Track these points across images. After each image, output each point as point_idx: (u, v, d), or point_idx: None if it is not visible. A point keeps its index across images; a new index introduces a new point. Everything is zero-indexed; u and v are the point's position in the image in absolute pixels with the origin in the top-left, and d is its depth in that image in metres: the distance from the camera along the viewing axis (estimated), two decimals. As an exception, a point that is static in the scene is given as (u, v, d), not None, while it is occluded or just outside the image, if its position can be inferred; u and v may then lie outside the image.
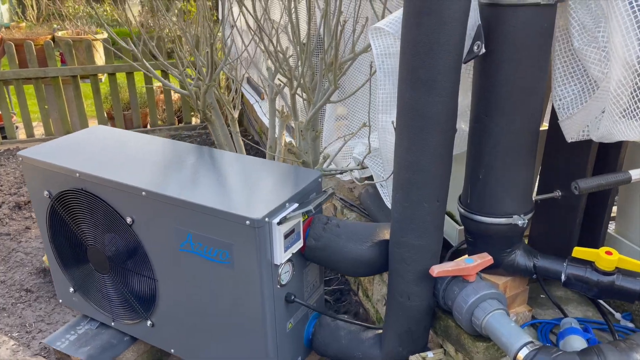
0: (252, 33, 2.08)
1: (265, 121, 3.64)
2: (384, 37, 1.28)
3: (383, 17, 1.66)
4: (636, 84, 0.96)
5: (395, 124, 1.24)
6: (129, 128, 5.07)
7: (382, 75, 1.26)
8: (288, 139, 2.85)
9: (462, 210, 1.35)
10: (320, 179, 1.45)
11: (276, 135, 2.31)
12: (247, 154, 2.23)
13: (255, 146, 4.33)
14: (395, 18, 1.25)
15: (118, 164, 1.57)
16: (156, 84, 5.06)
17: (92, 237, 1.62)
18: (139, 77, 5.26)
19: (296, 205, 1.34)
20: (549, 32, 1.14)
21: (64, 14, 7.76)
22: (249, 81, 4.74)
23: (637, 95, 0.97)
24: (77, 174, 1.53)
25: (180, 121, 5.22)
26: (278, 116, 2.24)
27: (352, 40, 1.85)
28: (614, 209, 1.52)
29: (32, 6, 8.03)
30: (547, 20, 1.13)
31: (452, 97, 1.17)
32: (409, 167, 1.21)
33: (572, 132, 1.21)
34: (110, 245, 1.58)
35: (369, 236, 1.36)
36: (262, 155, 3.71)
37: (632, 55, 0.95)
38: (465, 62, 1.19)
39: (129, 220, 1.48)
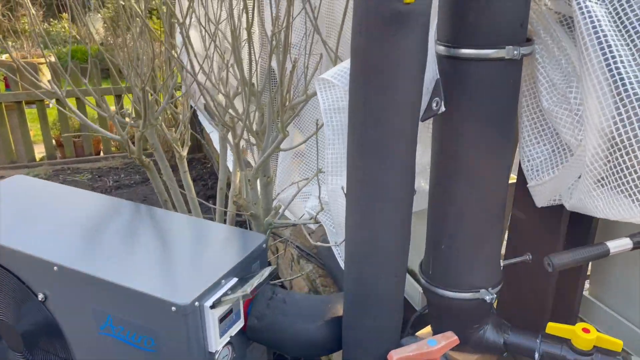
0: (200, 65, 1.91)
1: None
2: (332, 89, 1.12)
3: (336, 58, 1.51)
4: (616, 158, 0.83)
5: (344, 190, 1.08)
6: (80, 155, 4.80)
7: (330, 133, 1.10)
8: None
9: (423, 282, 1.20)
10: (265, 245, 1.27)
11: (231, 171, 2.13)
12: (198, 191, 2.05)
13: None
14: (343, 69, 1.10)
15: (32, 231, 1.36)
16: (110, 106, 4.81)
17: (2, 312, 1.39)
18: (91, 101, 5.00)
19: (235, 280, 1.16)
20: (515, 88, 1.01)
21: (18, 30, 7.39)
22: (206, 107, 4.55)
23: (618, 171, 0.83)
24: (-17, 242, 1.31)
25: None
26: (231, 149, 2.05)
27: (304, 78, 1.70)
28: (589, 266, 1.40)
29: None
30: (512, 75, 0.99)
31: (408, 162, 1.02)
32: (362, 242, 1.05)
33: (542, 199, 1.07)
34: (22, 322, 1.36)
35: (320, 313, 1.19)
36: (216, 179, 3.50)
37: (610, 124, 0.81)
38: (422, 121, 1.04)
39: (41, 296, 1.27)
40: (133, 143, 2.03)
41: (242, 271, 1.20)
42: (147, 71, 1.85)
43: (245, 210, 1.61)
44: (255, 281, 1.10)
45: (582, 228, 1.22)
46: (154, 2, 2.16)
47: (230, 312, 1.14)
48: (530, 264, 1.26)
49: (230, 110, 1.80)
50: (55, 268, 1.20)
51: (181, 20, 1.74)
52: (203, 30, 2.11)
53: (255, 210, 1.62)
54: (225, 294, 1.11)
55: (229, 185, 2.35)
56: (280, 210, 1.67)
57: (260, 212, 1.65)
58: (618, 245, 1.02)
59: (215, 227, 1.37)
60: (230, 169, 2.36)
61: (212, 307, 1.08)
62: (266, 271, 1.14)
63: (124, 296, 1.12)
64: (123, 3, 1.92)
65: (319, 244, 1.38)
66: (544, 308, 1.33)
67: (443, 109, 1.01)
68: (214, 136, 4.07)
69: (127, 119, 2.02)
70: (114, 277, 1.14)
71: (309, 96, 1.64)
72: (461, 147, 1.05)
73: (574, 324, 1.29)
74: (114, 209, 1.47)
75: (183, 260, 1.22)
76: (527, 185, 1.09)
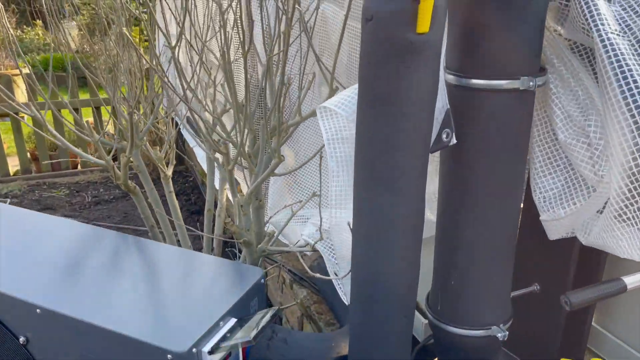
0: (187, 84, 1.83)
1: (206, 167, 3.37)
2: (335, 118, 1.07)
3: (332, 79, 1.46)
4: (644, 198, 0.79)
5: (351, 225, 1.02)
6: (57, 169, 4.64)
7: (334, 165, 1.05)
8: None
9: (430, 317, 1.14)
10: (263, 280, 1.21)
11: (219, 188, 2.06)
12: (185, 212, 1.97)
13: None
14: (347, 98, 1.04)
15: (11, 269, 1.26)
16: (87, 118, 4.66)
17: (-21, 354, 1.30)
18: (68, 115, 4.85)
19: (233, 321, 1.09)
20: (528, 119, 0.97)
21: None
22: (189, 120, 4.45)
23: (646, 213, 0.79)
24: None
25: (115, 159, 4.84)
26: (218, 168, 1.98)
27: (298, 99, 1.64)
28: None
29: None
30: (526, 106, 0.95)
31: (418, 197, 0.97)
32: (369, 282, 1.00)
33: (555, 233, 1.03)
34: (1, 366, 1.27)
35: (323, 355, 1.12)
36: (203, 201, 3.41)
37: (638, 162, 0.78)
38: (432, 152, 0.99)
39: (22, 339, 1.18)
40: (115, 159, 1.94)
41: (241, 310, 1.13)
42: (133, 93, 1.77)
43: (238, 238, 1.54)
44: (257, 324, 1.03)
45: (593, 257, 1.19)
46: (136, 11, 2.07)
47: (229, 355, 1.07)
48: (540, 295, 1.22)
49: (219, 129, 1.74)
50: (38, 311, 1.12)
51: (165, 31, 1.67)
52: (188, 45, 2.04)
53: (248, 237, 1.56)
54: (224, 338, 1.04)
55: (215, 203, 2.27)
56: (275, 236, 1.60)
57: (253, 238, 1.59)
58: (636, 280, 0.99)
59: (208, 260, 1.30)
60: (217, 187, 2.29)
61: (211, 352, 1.01)
62: (268, 313, 1.08)
63: (114, 342, 1.04)
64: (102, 13, 1.84)
65: (317, 275, 1.32)
66: (553, 339, 1.29)
67: (454, 141, 0.96)
68: (197, 150, 3.98)
69: (106, 137, 1.93)
70: (102, 320, 1.06)
71: (303, 117, 1.58)
72: (472, 180, 1.01)
73: (583, 355, 1.25)
74: (99, 240, 1.39)
75: (176, 300, 1.14)
76: (540, 218, 1.04)
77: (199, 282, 1.21)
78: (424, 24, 0.82)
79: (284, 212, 1.80)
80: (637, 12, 0.82)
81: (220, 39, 1.58)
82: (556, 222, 1.00)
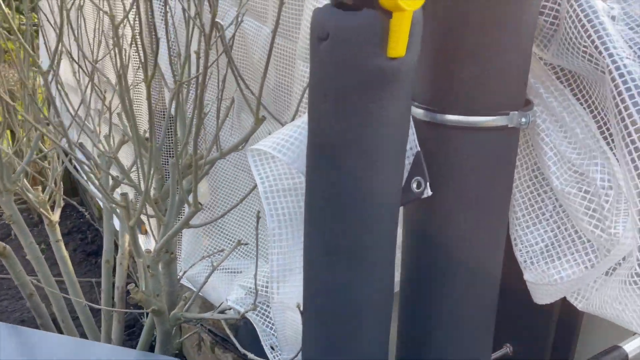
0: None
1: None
2: (273, 164, 0.83)
3: (259, 106, 1.21)
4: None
5: (302, 307, 0.78)
6: None
7: (275, 225, 0.80)
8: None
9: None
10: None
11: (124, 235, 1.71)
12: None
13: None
14: (288, 138, 0.81)
15: None
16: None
17: None
18: None
19: None
20: (513, 160, 0.80)
21: None
22: (82, 145, 3.95)
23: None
24: None
25: None
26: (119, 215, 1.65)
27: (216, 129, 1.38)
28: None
29: None
30: (512, 145, 0.78)
31: (390, 264, 0.75)
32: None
33: (544, 297, 0.87)
34: None
35: None
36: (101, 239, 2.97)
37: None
38: (401, 205, 0.78)
39: None
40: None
41: None
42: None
43: (146, 306, 1.23)
44: None
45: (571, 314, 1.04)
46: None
47: None
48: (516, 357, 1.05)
49: (116, 167, 1.43)
50: None
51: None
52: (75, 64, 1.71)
53: (157, 304, 1.25)
54: None
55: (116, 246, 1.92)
56: (190, 299, 1.32)
57: (164, 304, 1.28)
58: (636, 346, 0.85)
59: (106, 353, 0.99)
60: (117, 227, 1.94)
61: None
62: None
63: None
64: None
65: (252, 357, 1.06)
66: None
67: (429, 192, 0.76)
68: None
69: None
70: None
71: (223, 153, 1.32)
72: (447, 235, 0.81)
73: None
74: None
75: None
76: (524, 277, 0.87)
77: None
78: (398, 46, 0.62)
79: (202, 264, 1.51)
80: (647, 33, 0.67)
81: (115, 58, 1.29)
82: (545, 288, 0.82)
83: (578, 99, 0.76)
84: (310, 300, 0.76)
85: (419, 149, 0.78)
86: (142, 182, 1.32)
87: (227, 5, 1.44)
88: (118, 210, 1.84)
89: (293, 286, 0.83)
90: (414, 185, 0.78)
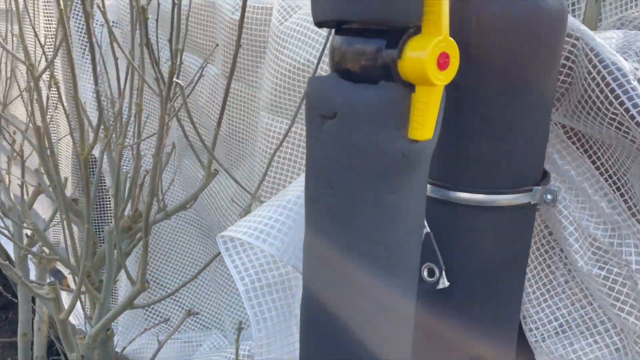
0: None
1: (11, 251, 2.58)
2: (253, 255, 0.68)
3: (211, 160, 1.05)
4: None
5: None
6: None
7: (262, 334, 0.65)
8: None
9: None
10: None
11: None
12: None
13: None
14: (275, 223, 0.66)
15: None
16: None
17: None
18: None
19: None
20: (530, 237, 0.71)
21: None
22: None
23: None
24: None
25: None
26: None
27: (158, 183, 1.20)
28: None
29: None
30: (530, 223, 0.69)
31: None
32: None
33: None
34: None
35: None
36: (9, 290, 2.59)
37: None
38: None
39: None
40: None
41: None
42: None
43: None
44: None
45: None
46: None
47: None
48: None
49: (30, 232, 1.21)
50: None
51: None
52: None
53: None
54: None
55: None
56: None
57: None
58: None
59: None
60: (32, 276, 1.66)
61: None
62: None
63: None
64: None
65: None
66: None
67: (445, 283, 0.65)
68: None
69: None
70: None
71: (169, 213, 1.14)
72: (458, 324, 0.70)
73: None
74: None
75: None
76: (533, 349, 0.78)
77: None
78: (425, 127, 0.50)
79: (145, 336, 1.31)
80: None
81: (29, 103, 1.08)
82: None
83: (597, 168, 0.69)
84: None
85: (428, 229, 0.66)
86: (68, 248, 1.11)
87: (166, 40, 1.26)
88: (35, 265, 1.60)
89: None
90: (424, 273, 0.67)
